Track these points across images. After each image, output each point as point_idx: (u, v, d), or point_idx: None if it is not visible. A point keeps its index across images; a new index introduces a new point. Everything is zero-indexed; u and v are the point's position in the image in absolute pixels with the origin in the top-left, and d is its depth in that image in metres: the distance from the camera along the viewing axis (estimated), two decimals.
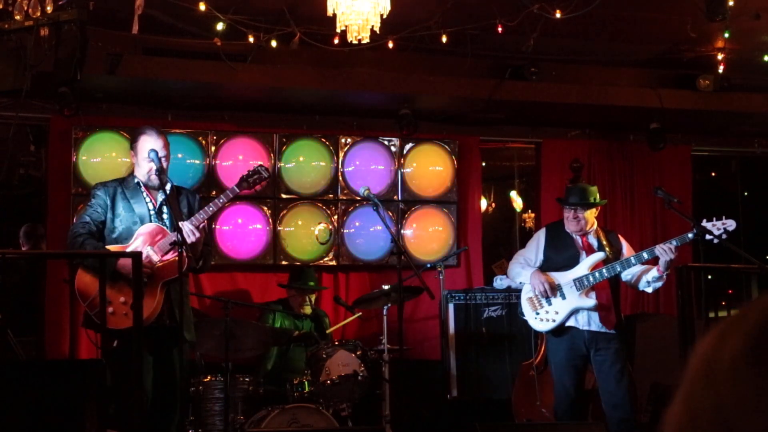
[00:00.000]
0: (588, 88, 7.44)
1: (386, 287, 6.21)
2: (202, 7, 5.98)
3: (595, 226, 5.69)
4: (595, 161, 7.95)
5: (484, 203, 9.01)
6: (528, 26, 6.30)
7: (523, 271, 5.68)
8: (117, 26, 6.12)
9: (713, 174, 9.73)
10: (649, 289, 5.61)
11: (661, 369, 6.80)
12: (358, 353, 5.78)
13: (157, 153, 5.02)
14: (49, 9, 4.51)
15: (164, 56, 6.60)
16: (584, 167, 7.80)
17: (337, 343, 5.96)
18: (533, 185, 8.61)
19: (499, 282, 7.22)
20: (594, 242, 5.63)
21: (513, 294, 6.92)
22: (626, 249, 5.68)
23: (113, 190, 5.11)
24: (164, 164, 5.08)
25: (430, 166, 7.59)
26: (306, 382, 5.73)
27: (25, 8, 4.49)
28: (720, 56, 7.07)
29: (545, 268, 5.64)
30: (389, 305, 6.22)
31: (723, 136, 8.44)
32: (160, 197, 5.10)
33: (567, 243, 5.66)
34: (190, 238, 4.80)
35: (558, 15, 6.02)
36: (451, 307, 6.91)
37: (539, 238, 5.81)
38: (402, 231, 7.42)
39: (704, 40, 6.88)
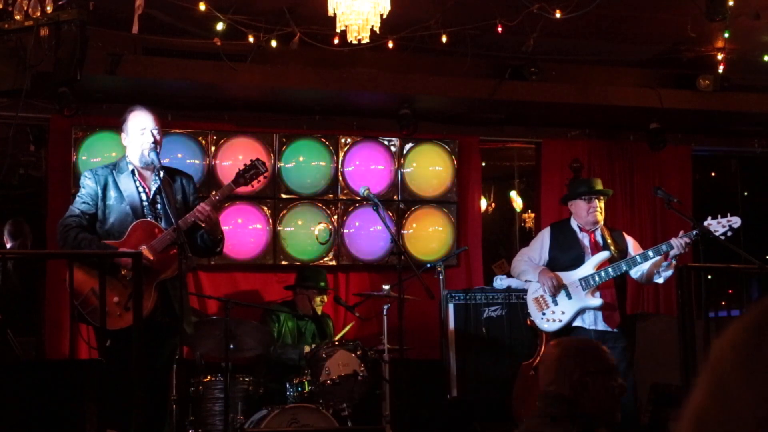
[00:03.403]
0: (588, 88, 7.45)
1: (386, 287, 6.20)
2: (202, 7, 5.98)
3: (602, 222, 5.70)
4: (595, 161, 7.95)
5: (484, 203, 9.00)
6: (528, 26, 6.31)
7: (530, 269, 5.68)
8: (117, 26, 6.12)
9: (713, 174, 9.72)
10: (660, 280, 5.59)
11: (661, 369, 6.80)
12: (358, 353, 5.78)
13: (152, 131, 4.87)
14: (49, 9, 4.51)
15: (164, 56, 6.61)
16: (584, 167, 7.80)
17: (337, 343, 5.95)
18: (533, 185, 8.61)
19: (499, 282, 7.21)
20: (600, 240, 5.63)
21: (513, 294, 6.92)
22: (632, 247, 5.67)
23: (104, 178, 4.90)
24: (157, 138, 4.90)
25: (430, 166, 7.59)
26: (306, 382, 5.73)
27: (25, 8, 4.50)
28: (720, 56, 7.08)
29: (550, 268, 5.64)
30: (389, 305, 6.21)
31: (723, 136, 8.44)
32: (154, 185, 4.90)
33: (572, 242, 5.66)
34: (208, 216, 4.75)
35: (558, 15, 6.02)
36: (451, 307, 6.90)
37: (543, 238, 5.81)
38: (402, 231, 7.42)
39: (704, 40, 6.88)
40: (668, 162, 8.07)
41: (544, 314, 5.61)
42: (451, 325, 6.87)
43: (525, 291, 6.85)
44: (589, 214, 5.61)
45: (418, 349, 6.75)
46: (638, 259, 5.45)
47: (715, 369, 0.90)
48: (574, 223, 5.72)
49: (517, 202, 10.00)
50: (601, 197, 5.67)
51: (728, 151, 8.81)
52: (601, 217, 5.64)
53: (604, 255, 5.55)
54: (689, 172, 8.22)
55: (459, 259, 7.58)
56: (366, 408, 5.95)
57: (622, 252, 5.59)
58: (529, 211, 9.65)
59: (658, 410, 6.58)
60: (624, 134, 8.15)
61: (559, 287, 5.52)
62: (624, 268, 5.47)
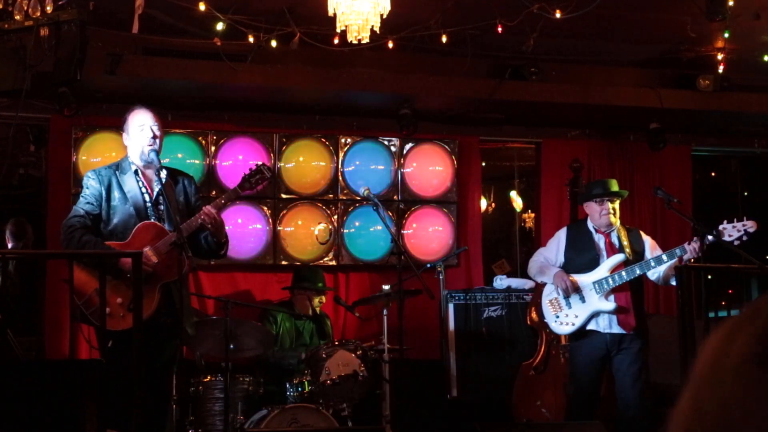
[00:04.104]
0: (588, 88, 7.45)
1: (386, 287, 6.20)
2: (202, 7, 5.99)
3: (618, 223, 5.67)
4: (595, 161, 7.95)
5: (484, 203, 9.00)
6: (528, 26, 6.31)
7: (546, 270, 5.66)
8: (117, 26, 6.12)
9: (713, 174, 9.72)
10: (674, 282, 5.59)
11: (661, 369, 6.79)
12: (358, 353, 5.78)
13: (151, 127, 4.86)
14: (49, 9, 4.51)
15: (164, 56, 6.61)
16: (584, 167, 7.79)
17: (337, 343, 5.95)
18: (533, 185, 8.61)
19: (499, 282, 7.21)
20: (616, 242, 5.60)
21: (513, 294, 6.93)
22: (650, 248, 5.63)
23: (108, 179, 4.86)
24: (156, 134, 4.87)
25: (430, 166, 7.60)
26: (306, 382, 5.73)
27: (25, 8, 4.50)
28: (720, 56, 7.08)
29: (566, 269, 5.62)
30: (389, 305, 6.21)
31: (723, 136, 8.44)
32: (157, 187, 4.86)
33: (587, 244, 5.63)
34: (214, 220, 4.76)
35: (558, 15, 6.02)
36: (451, 307, 6.91)
37: (560, 239, 5.78)
38: (402, 231, 7.42)
39: (704, 40, 6.88)
40: (668, 162, 8.07)
41: (557, 317, 5.60)
42: (451, 325, 6.87)
43: (525, 291, 6.89)
44: (601, 217, 5.58)
45: (418, 349, 6.76)
46: (652, 263, 5.43)
47: (692, 375, 0.90)
48: (590, 224, 5.69)
49: (517, 202, 9.99)
50: (615, 199, 5.63)
51: (728, 151, 8.81)
52: (614, 219, 5.61)
53: (618, 258, 5.52)
54: (689, 172, 8.22)
55: (459, 259, 7.58)
56: (366, 408, 5.95)
57: (638, 254, 5.55)
58: (529, 211, 9.65)
59: (658, 410, 6.58)
60: (624, 134, 8.15)
61: (573, 290, 5.50)
62: (638, 272, 5.44)
